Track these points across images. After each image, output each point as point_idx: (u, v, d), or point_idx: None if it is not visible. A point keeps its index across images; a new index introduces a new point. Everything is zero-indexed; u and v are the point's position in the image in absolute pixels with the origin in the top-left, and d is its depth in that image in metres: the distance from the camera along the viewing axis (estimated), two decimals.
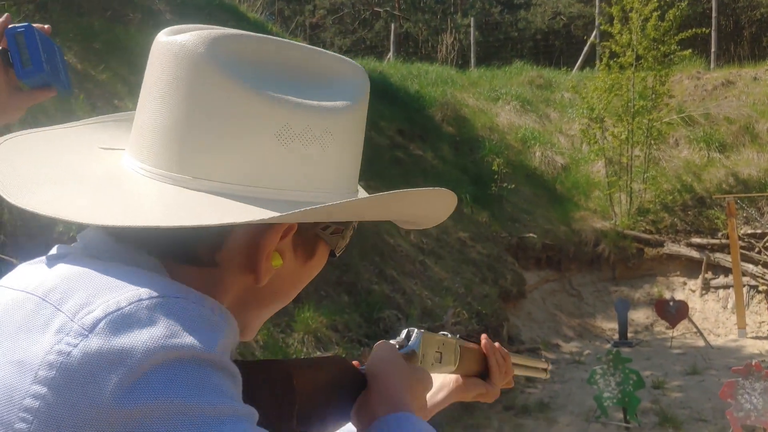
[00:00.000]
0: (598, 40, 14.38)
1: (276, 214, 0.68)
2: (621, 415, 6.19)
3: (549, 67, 16.48)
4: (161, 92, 0.71)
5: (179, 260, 0.70)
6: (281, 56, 0.75)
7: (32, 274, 0.66)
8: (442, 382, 1.24)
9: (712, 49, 15.71)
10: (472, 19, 18.99)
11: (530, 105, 14.04)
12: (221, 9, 12.38)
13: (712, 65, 15.34)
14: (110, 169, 0.75)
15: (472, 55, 17.85)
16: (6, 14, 1.33)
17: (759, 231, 10.78)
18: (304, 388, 0.78)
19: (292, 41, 0.79)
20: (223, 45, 0.71)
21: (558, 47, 19.95)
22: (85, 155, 0.78)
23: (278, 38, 0.78)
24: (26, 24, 1.30)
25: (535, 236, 10.74)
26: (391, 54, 18.13)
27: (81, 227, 0.70)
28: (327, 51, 0.82)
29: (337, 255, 0.86)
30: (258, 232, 0.72)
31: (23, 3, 8.16)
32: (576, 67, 16.79)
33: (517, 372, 1.45)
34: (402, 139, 11.44)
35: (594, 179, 12.24)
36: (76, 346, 0.54)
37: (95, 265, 0.64)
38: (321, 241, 0.80)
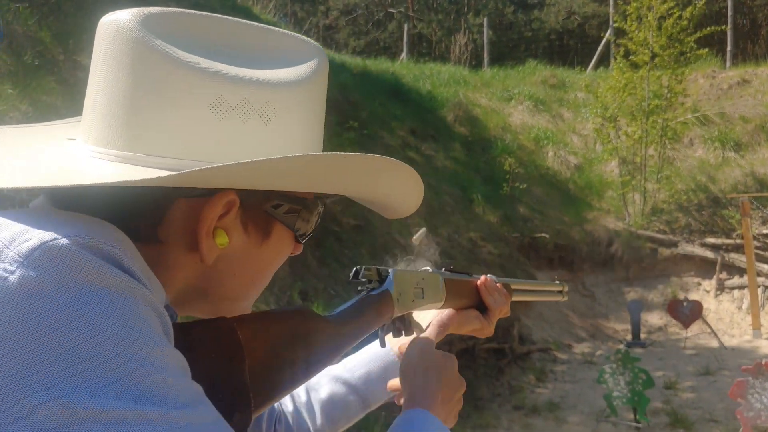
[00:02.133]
0: (613, 38, 14.30)
1: (161, 174, 0.66)
2: (631, 415, 6.15)
3: (563, 66, 16.42)
4: (98, 71, 0.72)
5: (134, 237, 0.69)
6: (220, 31, 0.75)
7: None
8: (437, 320, 1.21)
9: (728, 48, 15.57)
10: (485, 18, 18.95)
11: (543, 105, 13.98)
12: (234, 11, 12.44)
13: (728, 64, 15.20)
14: (60, 153, 0.75)
15: (485, 55, 17.81)
16: None
17: None
18: (254, 342, 0.76)
19: (242, 20, 0.78)
20: (157, 20, 0.71)
21: (572, 47, 19.86)
22: (50, 145, 0.78)
23: (223, 16, 0.77)
24: None
25: (547, 236, 10.70)
26: (404, 55, 18.13)
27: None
28: (281, 30, 0.80)
29: (302, 240, 0.84)
30: (198, 206, 0.71)
31: (38, 5, 8.24)
32: (590, 67, 16.70)
33: (530, 298, 1.42)
34: (414, 139, 11.43)
35: (607, 179, 12.17)
36: (12, 273, 0.55)
37: (33, 211, 0.66)
38: (276, 223, 0.79)
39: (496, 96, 14.09)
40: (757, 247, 10.21)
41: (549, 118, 13.76)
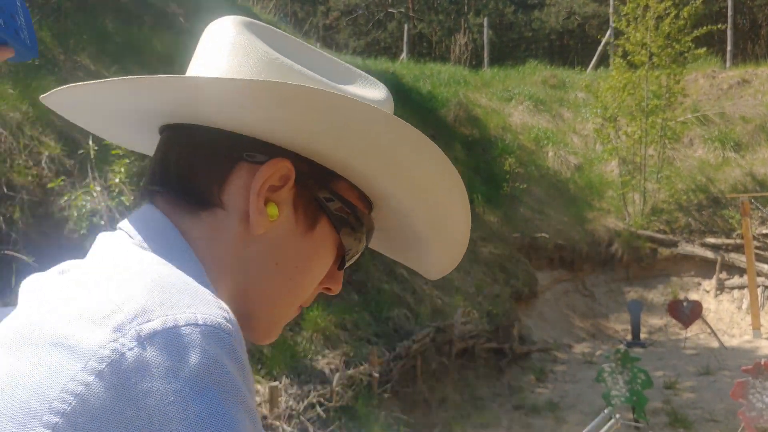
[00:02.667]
0: (612, 39, 14.31)
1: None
2: (630, 414, 6.15)
3: (563, 66, 16.42)
4: (228, 54, 0.81)
5: (192, 203, 0.75)
6: (303, 48, 0.86)
7: (90, 262, 0.70)
8: None
9: (728, 48, 15.58)
10: (485, 18, 18.95)
11: (543, 105, 13.99)
12: (235, 10, 12.45)
13: (728, 64, 15.21)
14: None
15: (485, 55, 17.81)
16: None
17: None
18: None
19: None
20: (255, 27, 0.83)
21: (572, 47, 19.87)
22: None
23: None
24: None
25: (547, 236, 10.70)
26: (404, 55, 18.13)
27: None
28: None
29: (345, 260, 0.85)
30: (255, 173, 0.75)
31: (39, 5, 8.25)
32: (590, 67, 16.71)
33: None
34: None
35: (607, 179, 12.18)
36: (131, 349, 0.56)
37: (146, 261, 0.67)
38: (323, 218, 0.80)
39: (497, 96, 14.09)
40: (756, 247, 10.22)
41: (549, 118, 13.77)
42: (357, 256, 0.87)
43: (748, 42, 18.36)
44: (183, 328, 0.58)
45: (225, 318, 0.61)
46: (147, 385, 0.55)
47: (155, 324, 0.57)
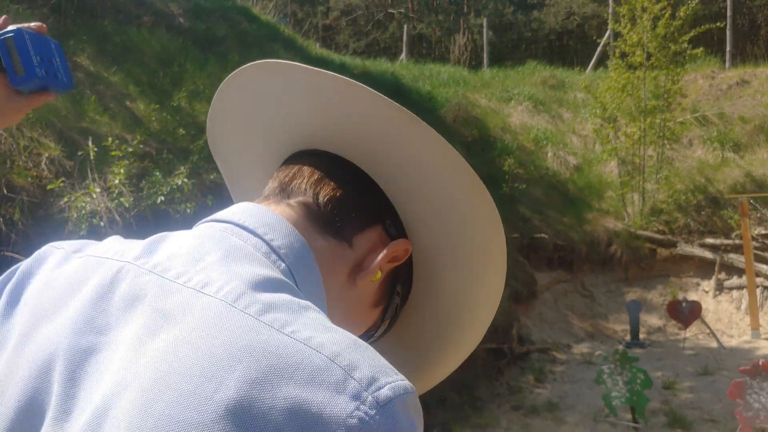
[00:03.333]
0: (610, 40, 14.33)
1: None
2: (629, 415, 6.17)
3: (563, 67, 16.44)
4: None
5: (334, 229, 0.80)
6: None
7: (252, 289, 0.66)
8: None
9: (728, 48, 15.59)
10: (485, 19, 18.97)
11: (543, 105, 14.00)
12: (234, 11, 12.46)
13: (727, 64, 15.22)
14: None
15: (485, 56, 17.83)
16: (3, 17, 1.28)
17: None
18: None
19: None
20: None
21: (572, 47, 19.88)
22: None
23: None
24: (15, 28, 1.23)
25: (546, 236, 10.71)
26: (403, 55, 18.15)
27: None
28: None
29: (384, 322, 0.93)
30: (383, 241, 0.85)
31: (38, 6, 8.26)
32: (590, 67, 16.72)
33: None
34: None
35: (607, 179, 12.19)
36: (372, 417, 0.58)
37: (324, 319, 0.67)
38: (389, 300, 0.90)
39: (496, 96, 14.11)
40: (755, 248, 10.23)
41: (548, 118, 13.78)
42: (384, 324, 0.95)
43: (747, 43, 18.37)
44: (406, 395, 0.61)
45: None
46: None
47: (387, 392, 0.60)
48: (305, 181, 0.83)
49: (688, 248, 10.90)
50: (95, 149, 5.78)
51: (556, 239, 10.86)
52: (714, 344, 9.27)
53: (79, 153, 5.91)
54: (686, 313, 9.44)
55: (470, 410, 6.87)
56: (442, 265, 0.90)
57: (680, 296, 10.38)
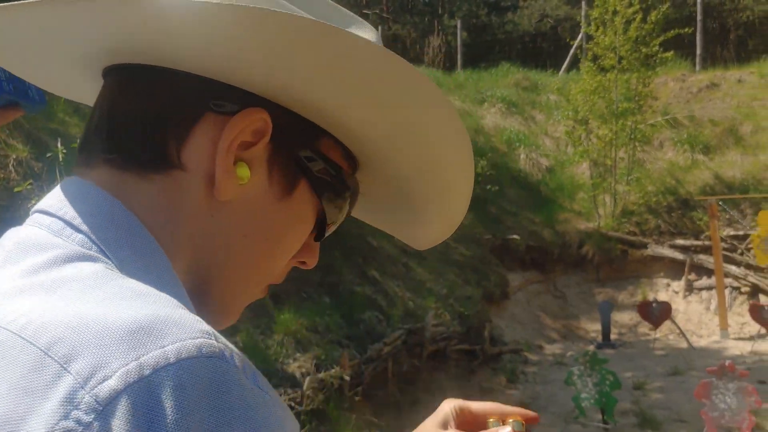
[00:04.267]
0: (583, 43, 14.46)
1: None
2: (600, 416, 6.22)
3: (537, 69, 16.54)
4: None
5: (147, 163, 0.60)
6: None
7: (10, 296, 0.52)
8: None
9: (698, 52, 15.80)
10: (459, 20, 19.04)
11: (516, 107, 14.09)
12: None
13: (697, 67, 15.43)
14: None
15: (459, 57, 17.89)
16: None
17: (741, 233, 10.86)
18: None
19: None
20: None
21: (545, 49, 20.01)
22: None
23: None
24: None
25: (519, 238, 10.78)
26: None
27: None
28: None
29: (324, 230, 0.72)
30: (223, 126, 0.61)
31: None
32: (562, 69, 16.85)
33: None
34: None
35: (578, 181, 12.30)
36: (88, 426, 0.42)
37: (94, 284, 0.51)
38: (302, 181, 0.67)
39: (470, 98, 14.16)
40: (724, 249, 10.38)
41: (521, 120, 13.87)
42: (338, 224, 0.74)
43: (717, 46, 18.62)
44: (151, 377, 0.43)
45: (203, 333, 0.47)
46: None
47: (113, 382, 0.43)
48: (99, 119, 0.63)
49: (659, 249, 11.03)
50: (64, 151, 5.70)
51: (528, 240, 10.93)
52: (684, 344, 9.39)
53: (48, 155, 5.83)
54: (657, 314, 9.55)
55: None
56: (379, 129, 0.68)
57: (651, 297, 10.50)
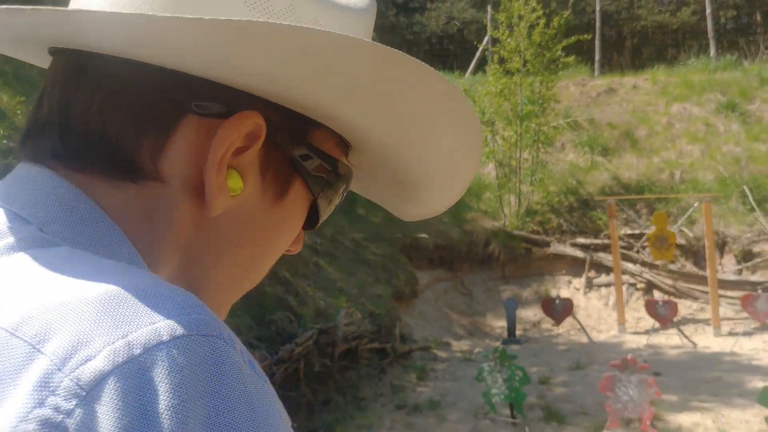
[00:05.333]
0: (489, 46, 14.77)
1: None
2: (508, 411, 6.35)
3: (443, 70, 16.80)
4: None
5: (114, 173, 0.52)
6: None
7: None
8: None
9: (596, 58, 16.45)
10: None
11: None
12: None
13: (596, 73, 16.07)
14: None
15: None
16: None
17: (637, 232, 11.38)
18: None
19: None
20: None
21: (452, 51, 20.35)
22: None
23: None
24: None
25: (428, 236, 10.90)
26: None
27: None
28: None
29: (315, 222, 0.66)
30: (212, 131, 0.54)
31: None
32: (469, 71, 17.18)
33: None
34: None
35: (485, 181, 12.56)
36: (69, 414, 0.36)
37: (62, 261, 0.44)
38: (298, 179, 0.61)
39: None
40: (622, 247, 10.84)
41: None
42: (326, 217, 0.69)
43: (614, 53, 19.45)
44: (141, 357, 0.38)
45: (198, 309, 0.42)
46: None
47: (98, 363, 0.37)
48: (52, 108, 0.55)
49: (561, 248, 11.41)
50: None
51: (436, 239, 11.07)
52: (585, 339, 9.74)
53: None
54: (559, 310, 9.88)
55: (354, 411, 6.86)
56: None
57: (553, 293, 10.85)
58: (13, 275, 0.44)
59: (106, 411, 0.36)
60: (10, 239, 0.47)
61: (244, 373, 0.41)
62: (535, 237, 11.61)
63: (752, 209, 10.96)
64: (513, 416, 6.23)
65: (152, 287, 0.43)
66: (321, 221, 0.68)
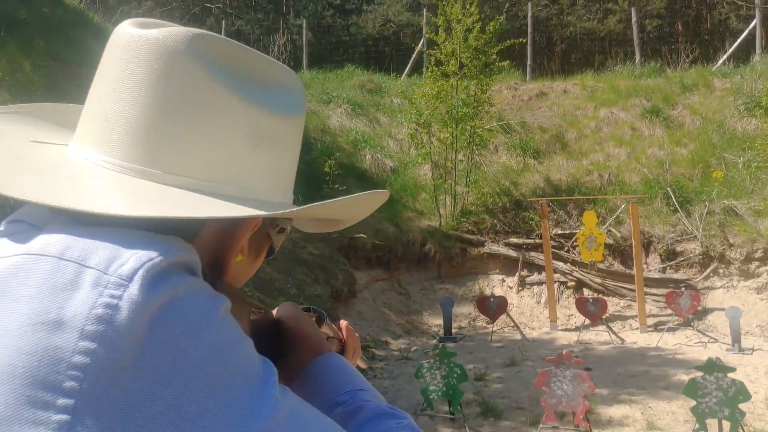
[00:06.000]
0: (425, 48, 14.96)
1: (263, 213, 0.70)
2: (446, 407, 6.48)
3: (379, 72, 16.91)
4: (134, 85, 0.69)
5: None
6: (249, 61, 0.77)
7: (20, 240, 0.62)
8: None
9: (528, 63, 16.85)
10: (304, 20, 19.05)
11: (361, 109, 14.33)
12: None
13: (528, 77, 16.45)
14: (69, 162, 0.72)
15: (304, 57, 17.90)
16: None
17: (567, 231, 11.73)
18: None
19: (254, 50, 0.80)
20: (202, 43, 0.71)
21: (388, 53, 20.48)
22: (24, 145, 0.75)
23: (245, 46, 0.79)
24: None
25: (365, 236, 10.97)
26: None
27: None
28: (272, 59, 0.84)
29: (275, 253, 0.91)
30: (227, 229, 0.76)
31: None
32: (405, 74, 17.33)
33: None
34: None
35: (421, 182, 12.71)
36: (120, 297, 0.54)
37: (95, 228, 0.62)
38: (268, 241, 0.86)
39: (316, 98, 14.22)
40: (553, 247, 11.15)
41: (366, 122, 14.12)
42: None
43: (545, 58, 19.94)
44: (159, 259, 0.57)
45: (176, 245, 0.62)
46: (159, 326, 0.55)
47: (132, 264, 0.57)
48: None
49: (495, 247, 11.66)
50: None
51: (374, 239, 11.16)
52: (518, 336, 9.98)
53: None
54: (493, 308, 10.09)
55: None
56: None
57: (488, 292, 11.08)
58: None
59: (142, 287, 0.55)
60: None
61: (226, 317, 0.62)
62: (470, 237, 11.82)
63: (675, 210, 11.45)
64: (451, 412, 6.35)
65: (158, 235, 0.63)
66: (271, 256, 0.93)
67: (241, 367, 0.59)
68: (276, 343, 0.98)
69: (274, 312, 1.07)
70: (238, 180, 0.73)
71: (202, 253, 0.72)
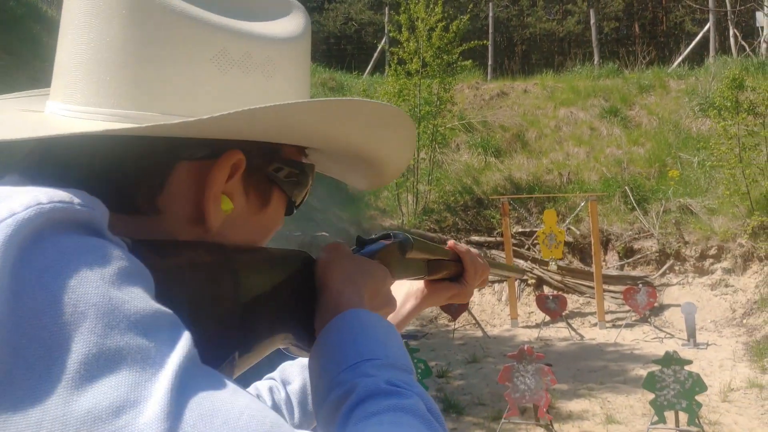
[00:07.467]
0: (387, 47, 14.98)
1: (181, 119, 0.60)
2: None
3: (341, 70, 16.89)
4: (81, 23, 0.64)
5: (114, 208, 0.59)
6: None
7: None
8: (407, 292, 1.20)
9: (489, 62, 16.99)
10: None
11: None
12: None
13: (489, 77, 16.58)
14: (39, 117, 0.67)
15: None
16: None
17: (528, 229, 11.85)
18: (254, 284, 0.72)
19: None
20: None
21: (350, 51, 20.46)
22: (22, 111, 0.71)
23: None
24: None
25: (327, 234, 10.94)
26: None
27: None
28: None
29: (297, 206, 0.83)
30: (202, 170, 0.67)
31: None
32: (367, 72, 17.34)
33: (496, 272, 1.41)
34: None
35: None
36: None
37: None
38: (275, 188, 0.77)
39: None
40: (514, 244, 11.26)
41: None
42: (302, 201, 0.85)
43: (505, 58, 20.14)
44: (21, 213, 0.48)
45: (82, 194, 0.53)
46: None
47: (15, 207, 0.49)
48: (70, 153, 0.65)
49: None
50: None
51: (336, 237, 11.13)
52: (479, 333, 10.06)
53: None
54: (455, 306, 10.15)
55: None
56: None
57: None
58: None
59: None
60: None
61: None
62: (432, 235, 11.86)
63: (633, 208, 11.65)
64: None
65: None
66: (297, 208, 0.84)
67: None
68: (307, 296, 0.83)
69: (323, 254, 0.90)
70: (208, 110, 0.63)
71: (180, 205, 0.67)
